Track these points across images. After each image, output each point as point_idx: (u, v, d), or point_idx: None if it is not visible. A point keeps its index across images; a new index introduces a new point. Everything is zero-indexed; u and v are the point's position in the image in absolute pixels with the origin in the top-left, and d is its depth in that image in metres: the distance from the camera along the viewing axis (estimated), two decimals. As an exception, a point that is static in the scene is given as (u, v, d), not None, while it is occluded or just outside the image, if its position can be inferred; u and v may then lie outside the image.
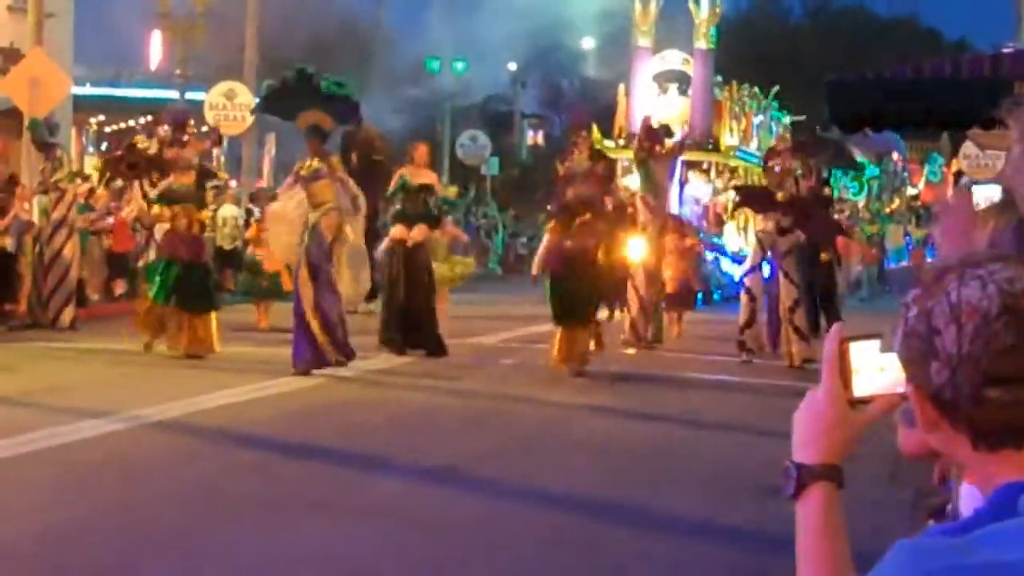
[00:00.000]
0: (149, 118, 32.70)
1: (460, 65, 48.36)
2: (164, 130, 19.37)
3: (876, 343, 2.03)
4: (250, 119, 31.61)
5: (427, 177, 18.56)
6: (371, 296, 19.03)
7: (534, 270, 17.25)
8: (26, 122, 22.16)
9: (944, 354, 1.85)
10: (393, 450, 10.97)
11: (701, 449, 11.73)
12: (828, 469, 2.02)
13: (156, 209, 17.33)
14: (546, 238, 17.19)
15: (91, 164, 21.21)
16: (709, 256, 30.48)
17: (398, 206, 18.28)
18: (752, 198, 20.02)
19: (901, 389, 1.97)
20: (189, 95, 33.31)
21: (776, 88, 38.74)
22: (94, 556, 7.42)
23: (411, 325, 17.87)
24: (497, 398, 14.31)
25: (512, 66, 52.36)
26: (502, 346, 19.77)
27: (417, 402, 14.00)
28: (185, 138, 17.78)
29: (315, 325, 15.44)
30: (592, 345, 16.42)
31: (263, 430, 11.68)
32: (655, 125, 20.94)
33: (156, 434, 11.38)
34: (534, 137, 54.86)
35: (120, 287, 20.24)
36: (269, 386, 14.47)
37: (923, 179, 51.20)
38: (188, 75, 34.41)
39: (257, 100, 18.76)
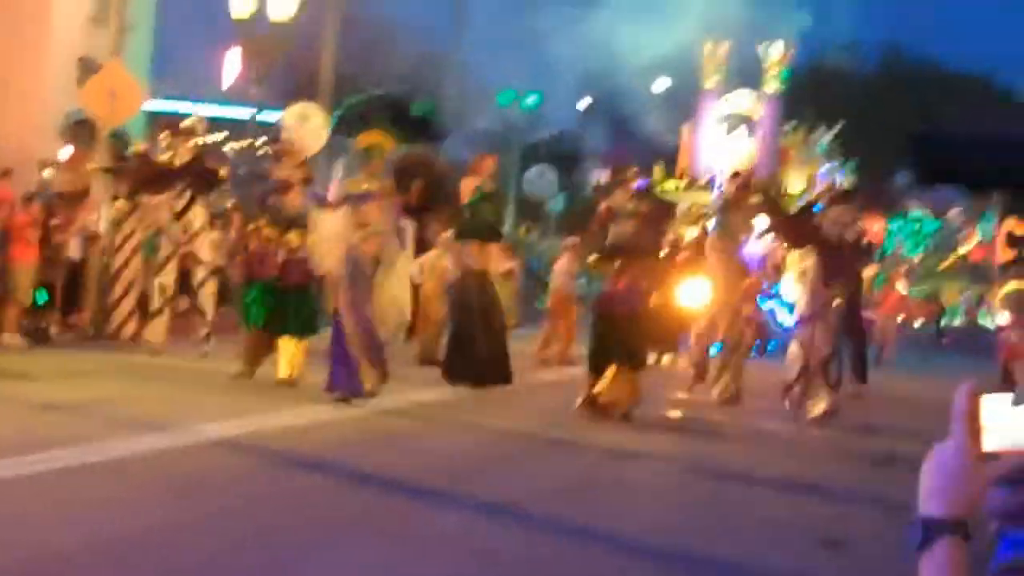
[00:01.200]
0: (225, 134, 33.02)
1: (532, 99, 48.39)
2: (164, 136, 19.49)
3: (1009, 396, 2.01)
4: (323, 140, 31.78)
5: None
6: (410, 332, 18.58)
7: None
8: (101, 133, 22.41)
9: None
10: (451, 483, 10.99)
11: (753, 498, 11.70)
12: (956, 523, 1.99)
13: (268, 232, 16.92)
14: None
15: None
16: (766, 306, 30.31)
17: (467, 217, 17.82)
18: (786, 228, 18.52)
19: None
20: (262, 115, 33.55)
21: (841, 125, 38.38)
22: (141, 574, 7.43)
23: (488, 357, 17.60)
24: (550, 437, 14.32)
25: (582, 104, 52.41)
26: (554, 383, 19.79)
27: (470, 437, 14.03)
28: (281, 153, 17.31)
29: (355, 351, 15.08)
30: (634, 391, 15.98)
31: (319, 455, 11.72)
32: (738, 172, 20.75)
33: (212, 452, 11.45)
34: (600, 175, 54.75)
35: (184, 303, 20.36)
36: (321, 411, 14.52)
37: (976, 237, 50.81)
38: (262, 96, 34.65)
39: (335, 118, 18.44)
